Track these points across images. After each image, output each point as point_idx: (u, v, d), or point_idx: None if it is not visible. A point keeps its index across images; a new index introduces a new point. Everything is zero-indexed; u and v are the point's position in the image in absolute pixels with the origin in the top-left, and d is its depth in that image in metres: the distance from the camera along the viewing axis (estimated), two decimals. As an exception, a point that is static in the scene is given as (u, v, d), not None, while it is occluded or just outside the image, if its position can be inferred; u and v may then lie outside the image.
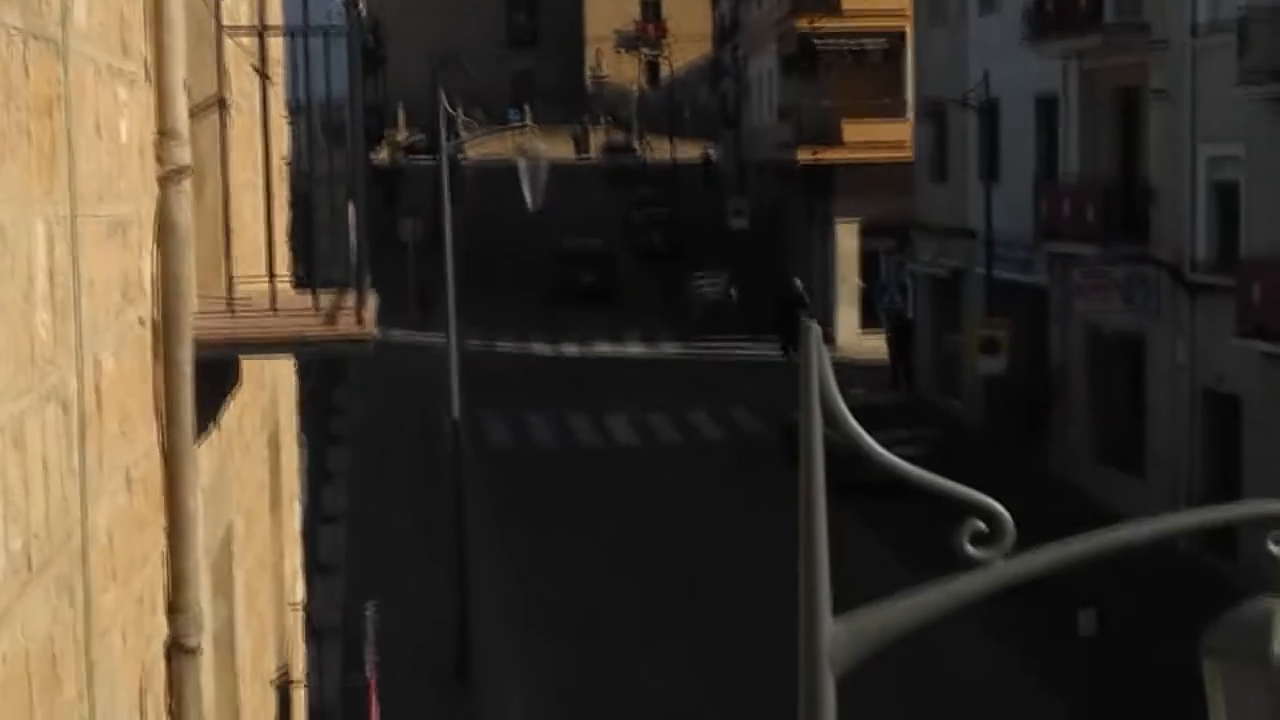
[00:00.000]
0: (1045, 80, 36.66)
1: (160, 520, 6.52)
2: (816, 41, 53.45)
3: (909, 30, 49.47)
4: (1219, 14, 29.83)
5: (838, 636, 4.50)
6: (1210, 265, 30.66)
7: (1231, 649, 4.47)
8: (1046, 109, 37.52)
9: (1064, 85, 36.17)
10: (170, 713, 6.57)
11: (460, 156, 75.24)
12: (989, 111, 38.29)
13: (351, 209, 8.59)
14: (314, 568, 26.86)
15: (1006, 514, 4.51)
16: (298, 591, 13.19)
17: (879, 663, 4.82)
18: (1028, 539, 4.58)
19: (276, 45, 10.64)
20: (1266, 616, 4.44)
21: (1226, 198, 30.34)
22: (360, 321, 7.59)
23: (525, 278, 63.41)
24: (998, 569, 4.52)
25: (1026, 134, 38.36)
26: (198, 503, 6.69)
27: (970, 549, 4.50)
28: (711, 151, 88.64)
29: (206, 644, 6.89)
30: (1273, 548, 4.53)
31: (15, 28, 4.53)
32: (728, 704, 24.35)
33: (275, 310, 7.79)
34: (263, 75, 8.83)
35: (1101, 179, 34.47)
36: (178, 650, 6.56)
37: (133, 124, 6.28)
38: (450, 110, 27.65)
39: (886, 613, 4.57)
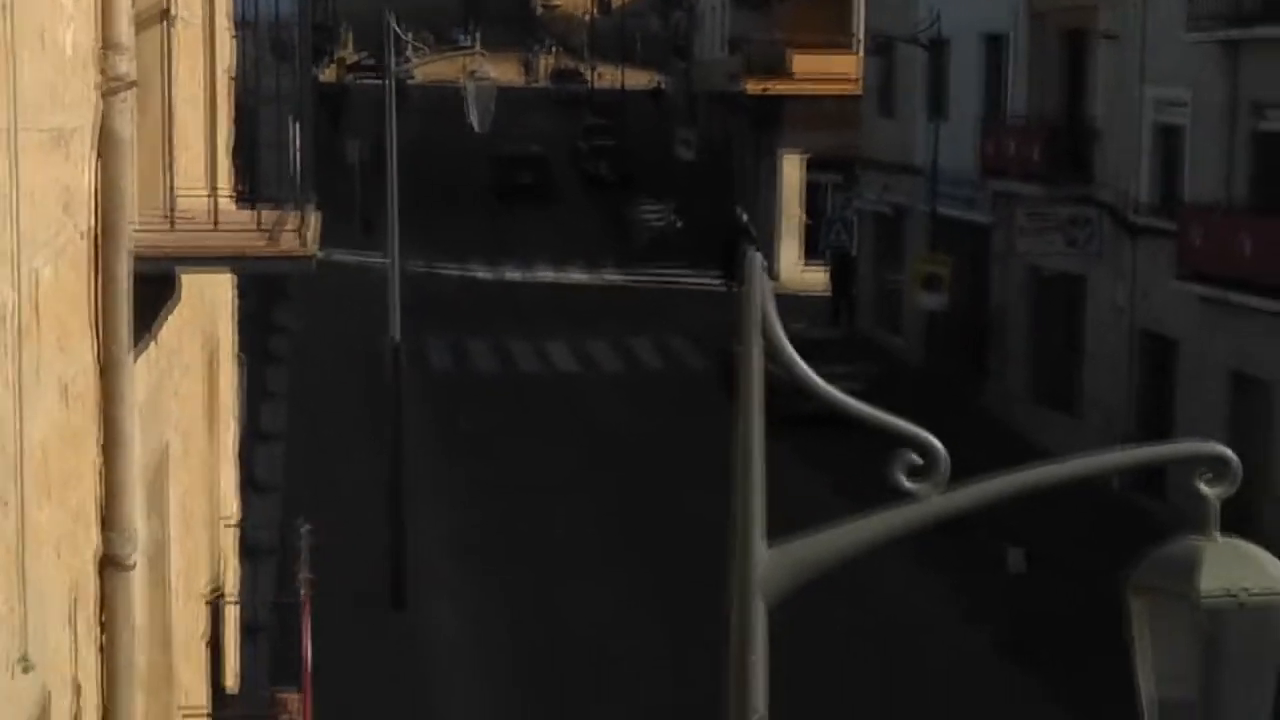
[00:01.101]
0: (994, 19, 36.67)
1: (96, 435, 6.50)
2: (768, -27, 53.29)
3: (861, -36, 49.35)
4: (1169, -42, 29.89)
5: (770, 565, 4.54)
6: (1152, 208, 30.83)
7: (1158, 587, 4.52)
8: (995, 47, 37.54)
9: (1013, 24, 36.20)
10: (101, 627, 6.56)
11: (408, 78, 74.84)
12: (938, 49, 38.27)
13: (296, 127, 8.54)
14: (251, 486, 26.81)
15: (941, 447, 4.55)
16: (232, 509, 13.17)
17: (808, 592, 4.86)
18: (962, 475, 4.62)
19: (223, -41, 10.53)
20: (1193, 555, 4.49)
21: (1170, 141, 30.48)
22: (302, 240, 7.55)
23: (469, 201, 63.22)
24: (930, 502, 4.55)
25: (974, 72, 38.39)
26: (134, 419, 6.66)
27: (904, 481, 4.53)
28: (661, 81, 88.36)
29: (140, 560, 6.87)
30: (1201, 488, 4.58)
31: (-43, -68, 4.47)
32: (663, 629, 24.51)
33: (216, 226, 7.73)
34: (209, -11, 8.75)
35: (1047, 119, 34.55)
36: (110, 565, 6.55)
37: (77, 35, 6.21)
38: (398, 31, 27.43)
39: (819, 542, 4.61)
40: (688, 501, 29.27)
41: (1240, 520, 4.92)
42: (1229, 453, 4.60)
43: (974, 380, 37.16)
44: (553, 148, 71.19)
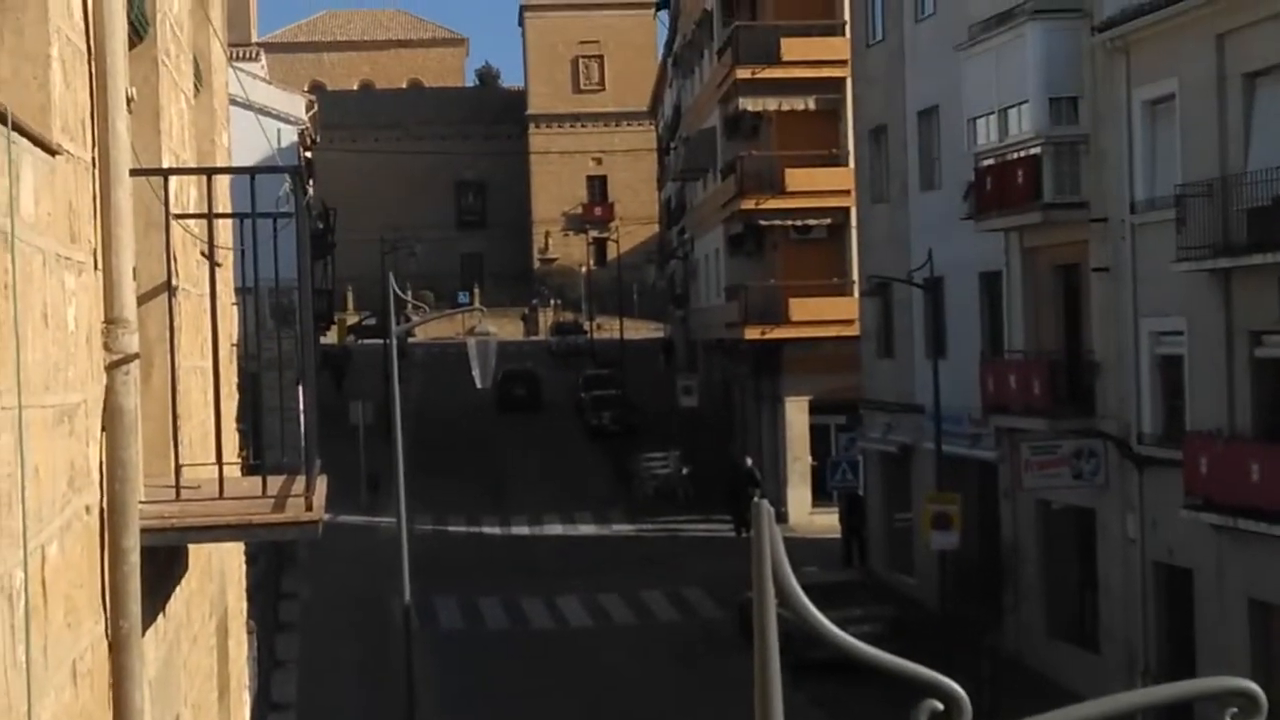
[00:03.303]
0: (988, 256, 37.06)
1: (107, 714, 6.40)
2: (762, 221, 54.02)
3: (853, 208, 50.07)
4: (1156, 191, 30.28)
5: (795, 822, 4.42)
6: (1157, 438, 30.82)
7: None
8: (990, 284, 37.89)
9: (1006, 261, 36.58)
10: None
11: (410, 338, 75.71)
12: (933, 288, 38.65)
13: (301, 392, 8.57)
14: (262, 757, 26.38)
15: (963, 694, 4.46)
16: (246, 782, 12.95)
17: None
18: (985, 718, 4.53)
19: (225, 230, 10.69)
20: (1226, 796, 4.39)
21: (1170, 370, 30.59)
22: (309, 506, 7.52)
23: (476, 457, 63.32)
24: (956, 750, 4.45)
25: (971, 309, 38.70)
26: (144, 696, 6.57)
27: (927, 730, 4.44)
28: (665, 331, 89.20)
29: (151, 839, 6.73)
30: (1229, 724, 4.48)
31: (-37, 218, 4.53)
32: None
33: (223, 496, 7.72)
34: (211, 260, 8.85)
35: (1046, 354, 34.73)
36: (122, 847, 6.41)
37: (80, 312, 6.26)
38: (399, 293, 27.75)
39: (844, 796, 4.51)
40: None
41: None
42: (1255, 688, 4.51)
43: (990, 618, 36.83)
44: (555, 400, 72.02)
